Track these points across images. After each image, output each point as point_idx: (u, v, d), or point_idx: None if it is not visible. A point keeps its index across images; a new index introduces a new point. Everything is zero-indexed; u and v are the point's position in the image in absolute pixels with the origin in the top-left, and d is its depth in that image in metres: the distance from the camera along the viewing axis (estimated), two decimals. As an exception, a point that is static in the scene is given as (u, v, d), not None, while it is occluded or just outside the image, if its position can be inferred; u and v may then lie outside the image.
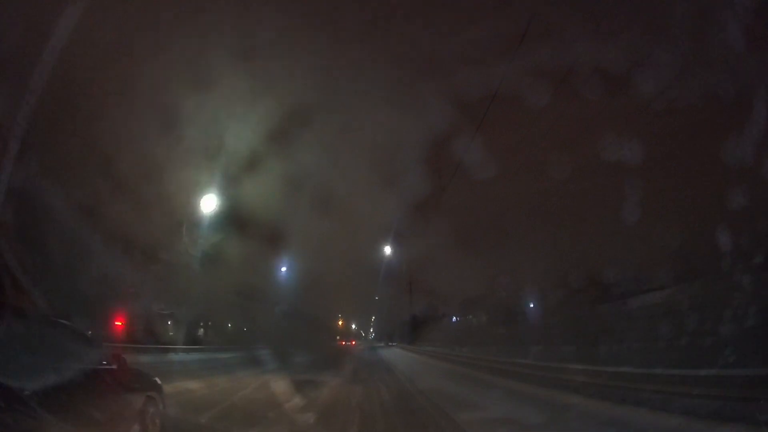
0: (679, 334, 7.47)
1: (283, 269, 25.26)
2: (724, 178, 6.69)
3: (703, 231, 7.24)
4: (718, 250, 6.82)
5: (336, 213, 18.50)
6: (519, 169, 12.12)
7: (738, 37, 6.62)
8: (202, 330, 20.70)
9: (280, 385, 9.68)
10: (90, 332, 5.32)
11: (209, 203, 14.59)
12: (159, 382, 5.24)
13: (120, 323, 13.07)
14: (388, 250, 25.61)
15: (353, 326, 60.06)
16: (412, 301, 32.35)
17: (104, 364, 4.36)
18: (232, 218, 15.84)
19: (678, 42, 7.35)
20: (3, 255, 5.87)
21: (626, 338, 8.49)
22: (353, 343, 52.44)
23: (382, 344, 54.09)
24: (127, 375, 4.70)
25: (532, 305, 14.64)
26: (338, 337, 45.76)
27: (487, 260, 13.88)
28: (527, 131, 10.90)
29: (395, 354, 30.29)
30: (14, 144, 7.33)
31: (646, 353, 7.52)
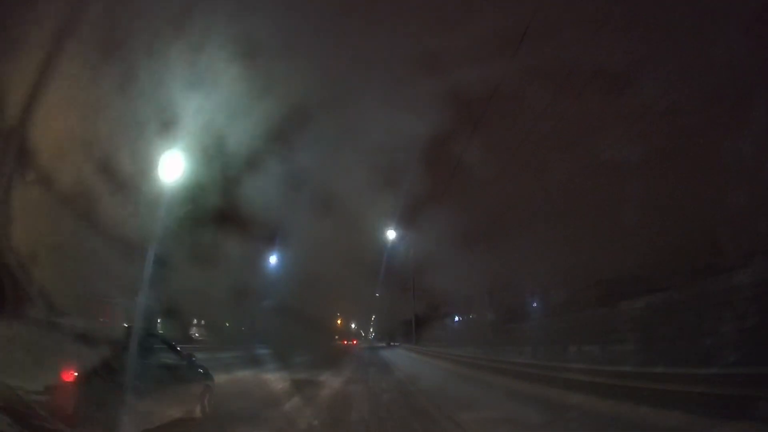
0: (679, 334, 7.50)
1: (272, 260, 23.69)
2: (726, 178, 6.70)
3: (704, 231, 7.25)
4: (718, 250, 6.84)
5: (334, 210, 18.36)
6: (522, 167, 12.05)
7: (738, 37, 6.63)
8: (194, 328, 20.36)
9: (278, 385, 9.72)
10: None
11: (173, 167, 10.45)
12: (212, 374, 6.81)
13: (106, 320, 12.52)
14: (391, 235, 24.25)
15: (353, 325, 59.72)
16: (414, 298, 31.52)
17: (182, 362, 6.15)
18: (211, 200, 13.88)
19: (679, 42, 7.36)
20: (3, 255, 5.88)
21: (627, 338, 8.52)
22: (354, 342, 52.27)
23: (383, 344, 51.58)
24: (195, 369, 6.40)
25: (535, 304, 14.56)
26: (336, 337, 45.39)
27: (490, 258, 13.76)
28: (530, 129, 10.89)
29: (400, 356, 28.15)
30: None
31: (647, 353, 7.54)
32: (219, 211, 14.99)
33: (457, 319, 25.70)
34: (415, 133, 13.66)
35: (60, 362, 4.02)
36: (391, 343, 49.87)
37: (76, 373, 4.01)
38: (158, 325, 17.78)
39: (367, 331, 66.38)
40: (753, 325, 5.78)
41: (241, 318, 20.91)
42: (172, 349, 6.23)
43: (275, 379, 10.58)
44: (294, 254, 23.00)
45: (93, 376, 4.13)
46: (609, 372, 7.32)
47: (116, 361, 4.60)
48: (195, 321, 20.98)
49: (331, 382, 11.31)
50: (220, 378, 11.07)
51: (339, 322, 47.01)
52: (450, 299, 23.23)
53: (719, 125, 7.21)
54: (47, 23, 7.43)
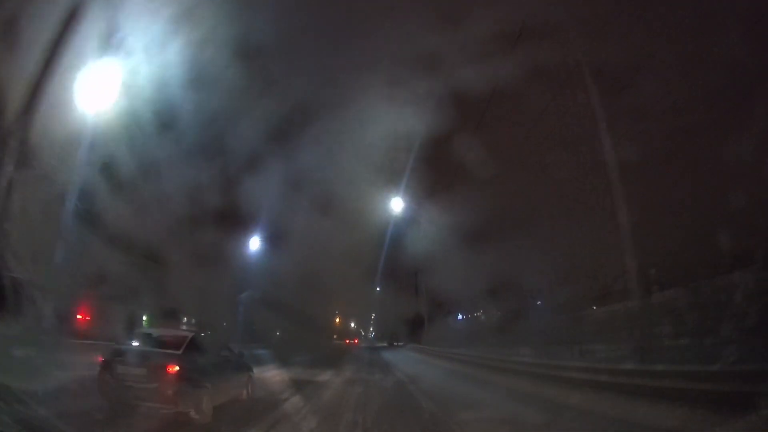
0: (680, 334, 7.50)
1: (254, 244, 20.82)
2: (726, 178, 6.70)
3: (703, 231, 7.25)
4: (718, 251, 6.83)
5: (331, 206, 18.20)
6: (527, 165, 11.95)
7: (738, 37, 6.63)
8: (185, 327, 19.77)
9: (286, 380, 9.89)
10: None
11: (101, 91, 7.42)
12: (252, 366, 8.47)
13: (82, 317, 11.62)
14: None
15: (352, 325, 59.26)
16: (424, 293, 30.04)
17: (235, 358, 7.97)
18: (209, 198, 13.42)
19: (679, 41, 7.35)
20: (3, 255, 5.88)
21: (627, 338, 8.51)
22: (356, 341, 51.89)
23: (385, 344, 47.74)
24: (243, 363, 8.13)
25: (539, 302, 14.32)
26: (335, 336, 44.99)
27: (495, 257, 13.56)
28: (531, 130, 10.87)
29: (410, 360, 22.98)
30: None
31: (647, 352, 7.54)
32: (213, 208, 14.83)
33: (460, 317, 25.21)
34: (416, 129, 13.54)
35: (167, 359, 5.81)
36: (395, 343, 46.05)
37: (176, 367, 5.75)
38: (143, 323, 17.50)
39: (366, 331, 65.87)
40: (752, 325, 5.78)
41: (237, 317, 20.56)
42: (229, 348, 8.27)
43: (281, 376, 10.76)
44: (290, 252, 22.39)
45: (185, 367, 5.84)
46: (610, 370, 7.33)
47: (199, 358, 6.38)
48: (185, 319, 20.43)
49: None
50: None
51: (338, 321, 46.67)
52: (455, 297, 22.58)
53: (720, 125, 7.21)
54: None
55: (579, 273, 10.64)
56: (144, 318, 17.35)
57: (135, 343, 6.51)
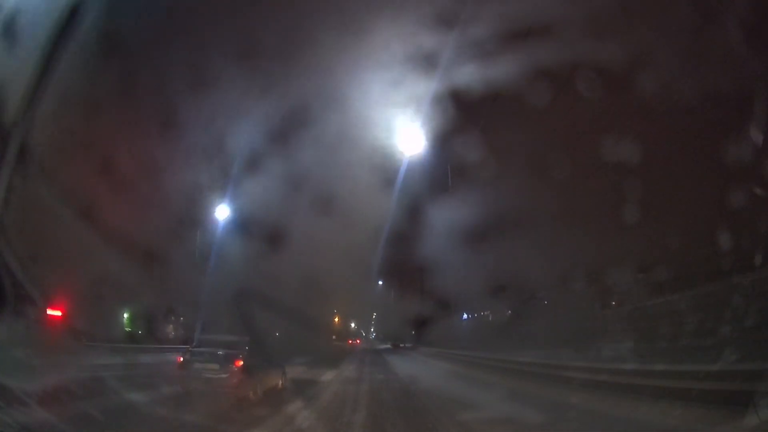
0: (680, 334, 7.50)
1: (220, 216, 16.67)
2: (726, 179, 6.70)
3: (704, 232, 7.25)
4: (718, 251, 6.84)
5: (330, 205, 17.91)
6: (530, 165, 11.84)
7: (739, 37, 6.64)
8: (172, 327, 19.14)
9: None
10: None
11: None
12: (284, 365, 10.48)
13: (59, 313, 10.47)
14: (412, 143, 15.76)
15: (352, 325, 58.78)
16: (423, 290, 28.80)
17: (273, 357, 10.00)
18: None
19: (680, 41, 7.36)
20: (3, 255, 5.87)
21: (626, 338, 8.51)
22: (358, 341, 51.74)
23: (388, 345, 44.21)
24: (279, 363, 10.11)
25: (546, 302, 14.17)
26: (334, 337, 44.56)
27: (502, 255, 13.35)
28: (532, 130, 10.83)
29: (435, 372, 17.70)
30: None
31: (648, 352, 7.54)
32: (204, 204, 14.61)
33: (465, 316, 24.68)
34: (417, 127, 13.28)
35: (234, 357, 7.92)
36: (400, 345, 40.49)
37: (241, 362, 7.86)
38: (123, 320, 17.11)
39: (367, 331, 65.21)
40: (751, 325, 5.79)
41: (233, 315, 20.06)
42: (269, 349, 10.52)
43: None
44: (288, 250, 21.83)
45: (246, 363, 7.94)
46: (610, 370, 7.33)
47: (253, 356, 8.41)
48: (173, 318, 19.89)
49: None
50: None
51: (337, 321, 46.20)
52: (458, 296, 21.92)
53: (720, 125, 7.21)
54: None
55: (582, 273, 10.62)
56: (125, 315, 17.17)
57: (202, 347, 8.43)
